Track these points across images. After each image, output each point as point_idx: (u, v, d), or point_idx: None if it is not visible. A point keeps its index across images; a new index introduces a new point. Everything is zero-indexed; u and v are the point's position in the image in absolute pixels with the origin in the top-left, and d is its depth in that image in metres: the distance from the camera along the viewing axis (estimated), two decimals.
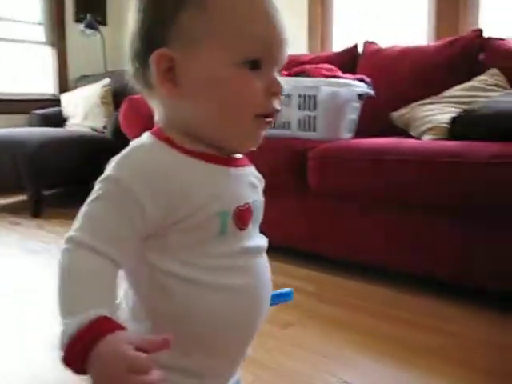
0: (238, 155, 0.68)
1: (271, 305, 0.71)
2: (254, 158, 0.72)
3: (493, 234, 1.60)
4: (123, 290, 0.65)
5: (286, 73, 2.26)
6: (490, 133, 1.72)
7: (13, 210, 3.25)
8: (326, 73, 2.23)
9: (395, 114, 2.28)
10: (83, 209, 0.58)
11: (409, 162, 1.70)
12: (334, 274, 1.95)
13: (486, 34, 2.29)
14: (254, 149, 0.66)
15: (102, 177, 0.59)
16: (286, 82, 1.70)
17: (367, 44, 2.66)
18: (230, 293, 0.63)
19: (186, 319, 0.61)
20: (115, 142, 3.28)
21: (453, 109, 2.04)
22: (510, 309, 1.62)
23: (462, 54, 2.28)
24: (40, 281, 1.95)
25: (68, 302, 0.53)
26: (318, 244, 2.02)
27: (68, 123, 3.80)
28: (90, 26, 4.00)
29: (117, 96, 3.56)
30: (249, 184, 0.68)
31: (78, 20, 4.17)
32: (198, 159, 0.62)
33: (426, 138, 1.98)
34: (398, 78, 2.41)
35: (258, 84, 0.61)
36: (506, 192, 1.52)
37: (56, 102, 3.98)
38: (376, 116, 2.34)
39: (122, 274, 0.60)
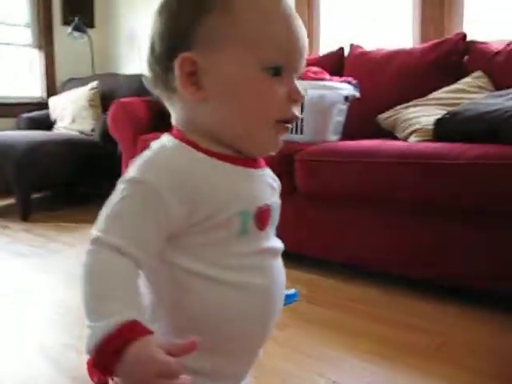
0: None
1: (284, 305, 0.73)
2: None
3: (480, 235, 1.63)
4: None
5: None
6: (473, 134, 1.75)
7: (1, 214, 3.23)
8: (313, 75, 2.25)
9: (381, 117, 2.31)
10: (107, 209, 0.58)
11: (395, 164, 1.73)
12: (324, 276, 1.97)
13: (469, 38, 2.33)
14: (274, 153, 0.67)
15: (126, 178, 0.59)
16: None
17: (354, 47, 2.68)
18: (248, 292, 0.63)
19: (204, 318, 0.62)
20: (103, 144, 3.29)
21: (438, 111, 2.07)
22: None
23: (447, 57, 2.31)
24: (31, 283, 1.95)
25: (95, 304, 0.53)
26: (306, 246, 2.04)
27: (56, 126, 3.79)
28: (77, 28, 4.00)
29: (105, 99, 3.57)
30: (268, 185, 0.69)
31: (66, 23, 4.16)
32: (221, 161, 0.62)
33: (412, 139, 2.01)
34: (384, 80, 2.44)
35: (280, 90, 0.62)
36: (488, 193, 1.55)
37: (44, 105, 3.97)
38: (363, 118, 2.36)
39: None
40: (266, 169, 0.70)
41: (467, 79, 2.21)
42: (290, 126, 0.65)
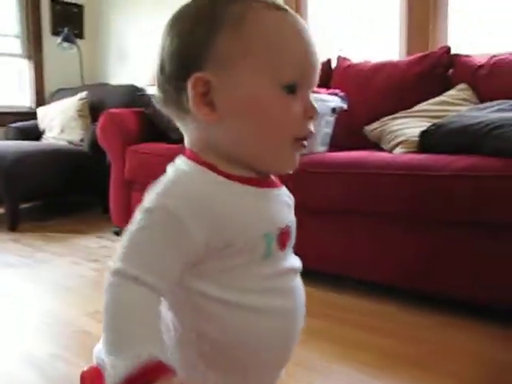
0: (272, 176, 0.68)
1: None
2: None
3: (464, 247, 1.65)
4: None
5: None
6: (458, 146, 1.78)
7: None
8: None
9: (368, 128, 2.34)
10: (127, 238, 0.57)
11: (380, 175, 1.75)
12: (313, 286, 1.97)
13: (453, 51, 2.37)
14: (291, 172, 0.66)
15: (146, 206, 0.58)
16: None
17: (341, 59, 2.72)
18: (269, 315, 0.62)
19: (226, 343, 0.60)
20: (92, 155, 3.29)
21: (423, 123, 2.10)
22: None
23: (432, 70, 2.35)
24: (19, 293, 1.95)
25: (117, 339, 0.53)
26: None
27: (45, 136, 3.78)
28: (67, 39, 4.00)
29: (94, 109, 3.57)
30: (285, 204, 0.68)
31: (55, 33, 4.17)
32: (240, 183, 0.61)
33: (398, 151, 2.03)
34: (371, 92, 2.47)
35: (296, 108, 0.62)
36: (473, 204, 1.58)
37: (32, 115, 3.96)
38: (350, 130, 2.40)
39: None
40: (282, 187, 0.70)
41: (452, 92, 2.25)
42: (306, 143, 0.65)
